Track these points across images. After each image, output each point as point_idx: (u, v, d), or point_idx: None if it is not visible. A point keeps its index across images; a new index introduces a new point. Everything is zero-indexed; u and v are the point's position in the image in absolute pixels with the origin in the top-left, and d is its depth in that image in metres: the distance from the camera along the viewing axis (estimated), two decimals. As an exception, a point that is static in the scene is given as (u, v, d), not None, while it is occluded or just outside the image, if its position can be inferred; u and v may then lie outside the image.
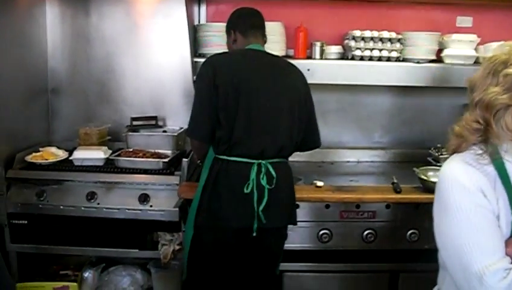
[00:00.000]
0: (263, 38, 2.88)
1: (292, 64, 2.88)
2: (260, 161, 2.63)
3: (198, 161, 3.00)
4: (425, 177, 3.04)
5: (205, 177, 2.71)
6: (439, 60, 3.53)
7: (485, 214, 1.57)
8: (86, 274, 3.31)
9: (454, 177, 1.62)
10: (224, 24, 2.93)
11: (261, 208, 2.60)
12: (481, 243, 1.54)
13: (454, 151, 1.73)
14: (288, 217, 2.78)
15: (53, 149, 3.39)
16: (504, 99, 1.57)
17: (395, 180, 3.12)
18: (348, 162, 3.86)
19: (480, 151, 1.64)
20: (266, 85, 2.69)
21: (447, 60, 3.48)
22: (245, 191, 2.59)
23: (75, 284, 3.20)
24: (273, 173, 2.64)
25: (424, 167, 3.18)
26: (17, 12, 3.37)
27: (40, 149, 3.36)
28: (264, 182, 2.61)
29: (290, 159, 2.86)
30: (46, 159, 3.24)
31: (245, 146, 2.62)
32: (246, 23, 2.86)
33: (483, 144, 1.64)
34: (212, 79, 2.62)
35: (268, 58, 2.81)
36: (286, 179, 2.75)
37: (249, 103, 2.63)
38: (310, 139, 2.91)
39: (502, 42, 1.95)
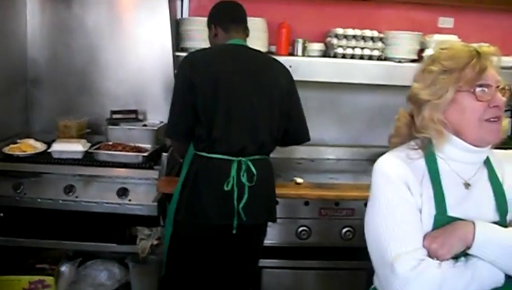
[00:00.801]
0: (245, 32, 2.85)
1: (275, 60, 2.86)
2: (240, 158, 2.62)
3: (181, 160, 2.98)
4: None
5: (185, 174, 2.70)
6: (420, 59, 3.52)
7: (406, 207, 1.62)
8: (63, 268, 3.28)
9: (382, 169, 1.70)
10: (206, 19, 2.91)
11: (241, 205, 2.59)
12: (398, 233, 1.60)
13: (394, 145, 1.80)
14: (268, 214, 2.78)
15: (31, 141, 3.34)
16: (424, 94, 1.65)
17: (375, 179, 3.13)
18: (328, 159, 3.87)
19: (416, 147, 1.71)
20: (246, 81, 2.66)
21: (428, 60, 3.50)
22: (225, 188, 2.57)
23: (51, 278, 3.17)
24: (254, 170, 2.62)
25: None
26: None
27: (18, 141, 3.32)
28: (244, 179, 2.60)
29: (270, 155, 2.86)
30: (24, 151, 3.20)
31: (225, 143, 2.60)
32: (226, 18, 2.83)
33: (420, 139, 1.71)
34: (188, 77, 2.61)
35: (250, 53, 2.78)
36: (267, 176, 2.74)
37: (227, 100, 2.61)
38: (298, 134, 2.88)
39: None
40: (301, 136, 2.92)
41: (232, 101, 2.62)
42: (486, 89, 1.61)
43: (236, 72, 2.67)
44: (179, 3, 3.68)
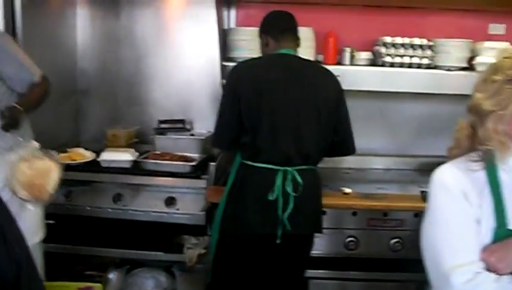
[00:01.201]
0: (296, 42, 2.82)
1: (325, 69, 2.84)
2: (286, 167, 2.60)
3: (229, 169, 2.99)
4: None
5: (231, 183, 2.71)
6: (470, 67, 3.46)
7: (464, 218, 1.59)
8: (111, 275, 3.31)
9: (440, 179, 1.67)
10: (254, 28, 2.94)
11: (286, 215, 2.58)
12: (454, 244, 1.58)
13: (454, 157, 1.74)
14: (314, 225, 2.76)
15: (81, 150, 3.41)
16: (487, 105, 1.58)
17: (424, 189, 3.07)
18: (376, 169, 3.81)
19: (476, 158, 1.66)
20: (293, 91, 2.65)
21: (479, 68, 3.41)
22: (270, 198, 2.57)
23: (99, 285, 3.19)
24: (300, 180, 2.61)
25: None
26: (48, 14, 3.43)
27: (68, 150, 3.39)
28: (289, 189, 2.58)
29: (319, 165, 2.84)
30: (74, 160, 3.26)
31: (269, 152, 2.60)
32: (276, 27, 2.81)
33: (482, 151, 1.65)
34: (234, 87, 2.63)
35: (299, 62, 2.76)
36: (313, 187, 2.72)
37: (272, 109, 2.60)
38: (344, 146, 2.85)
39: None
40: (347, 149, 2.88)
41: (277, 110, 2.61)
42: None
43: (283, 82, 2.66)
44: (226, 13, 3.70)
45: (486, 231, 1.57)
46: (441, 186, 1.65)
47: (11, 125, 2.50)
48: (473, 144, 1.68)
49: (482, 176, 1.63)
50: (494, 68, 1.63)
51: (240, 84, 2.63)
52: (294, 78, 2.69)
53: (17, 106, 2.53)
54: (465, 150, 1.71)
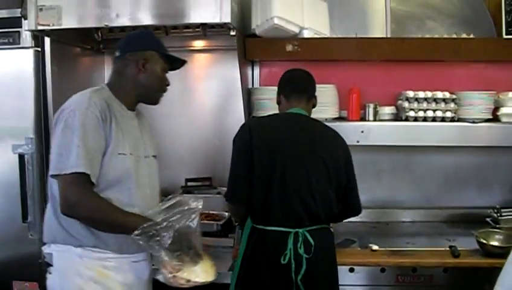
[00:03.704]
0: (309, 102, 2.81)
1: (334, 131, 2.80)
2: (297, 229, 2.56)
3: (237, 223, 3.00)
4: (485, 241, 2.97)
5: (244, 248, 2.67)
6: (495, 118, 3.45)
7: None
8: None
9: None
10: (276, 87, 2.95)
11: (299, 277, 2.52)
12: None
13: None
14: (329, 286, 2.67)
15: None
16: None
17: (453, 243, 3.06)
18: (403, 222, 3.79)
19: None
20: (303, 152, 2.62)
21: (503, 119, 3.40)
22: (282, 261, 2.52)
23: None
24: (311, 241, 2.55)
25: (484, 230, 3.12)
26: (78, 76, 3.56)
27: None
28: (301, 251, 2.53)
29: (345, 220, 2.86)
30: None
31: (281, 215, 2.56)
32: (288, 86, 2.83)
33: None
34: (247, 144, 2.61)
35: (308, 123, 2.75)
36: (326, 246, 2.66)
37: (284, 171, 2.57)
38: (352, 208, 2.81)
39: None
40: (354, 211, 2.83)
41: (288, 172, 2.58)
42: None
43: (293, 143, 2.64)
44: (250, 72, 3.75)
45: None
46: None
47: None
48: None
49: None
50: None
51: (254, 143, 2.60)
52: (304, 139, 2.67)
53: None
54: None
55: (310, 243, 2.55)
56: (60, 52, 3.26)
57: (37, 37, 3.19)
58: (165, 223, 2.13)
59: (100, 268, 2.25)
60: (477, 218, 3.62)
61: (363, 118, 3.50)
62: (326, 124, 2.84)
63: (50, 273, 2.30)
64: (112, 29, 3.45)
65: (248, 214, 2.70)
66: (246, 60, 3.55)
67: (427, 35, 3.65)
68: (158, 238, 2.10)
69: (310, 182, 2.59)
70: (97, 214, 2.16)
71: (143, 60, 2.39)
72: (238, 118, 3.53)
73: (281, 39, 3.40)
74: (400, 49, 3.44)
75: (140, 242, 2.10)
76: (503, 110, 3.42)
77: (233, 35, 3.06)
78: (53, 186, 2.22)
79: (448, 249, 3.03)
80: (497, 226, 3.38)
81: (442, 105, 3.39)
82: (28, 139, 3.24)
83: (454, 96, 3.41)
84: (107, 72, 3.84)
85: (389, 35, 3.70)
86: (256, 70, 3.76)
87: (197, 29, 3.38)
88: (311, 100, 2.84)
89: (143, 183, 2.38)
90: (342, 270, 2.93)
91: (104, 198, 2.19)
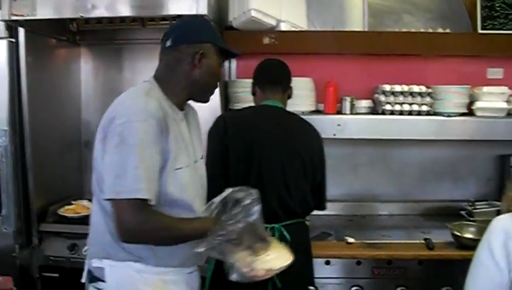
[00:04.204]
0: (283, 93, 2.79)
1: (308, 123, 2.79)
2: (273, 224, 2.55)
3: None
4: (459, 234, 3.00)
5: None
6: (470, 112, 3.49)
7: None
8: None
9: (501, 225, 1.72)
10: (253, 80, 2.93)
11: None
12: None
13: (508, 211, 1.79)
14: (305, 278, 2.69)
15: (85, 202, 3.42)
16: None
17: (428, 236, 3.09)
18: (380, 215, 3.82)
19: None
20: (279, 148, 2.61)
21: (478, 113, 3.44)
22: None
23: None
24: (287, 236, 2.55)
25: (458, 223, 3.16)
26: (53, 68, 3.50)
27: (73, 202, 3.42)
28: None
29: (321, 212, 2.87)
30: (78, 213, 3.27)
31: None
32: (263, 77, 2.80)
33: None
34: (223, 137, 2.58)
35: (284, 116, 2.74)
36: (301, 240, 2.66)
37: (260, 166, 2.57)
38: (321, 202, 2.82)
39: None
40: (322, 205, 2.84)
41: (264, 167, 2.57)
42: None
43: (268, 137, 2.63)
44: (227, 65, 3.73)
45: None
46: (501, 233, 1.71)
47: None
48: None
49: None
50: None
51: (229, 137, 2.58)
52: (279, 132, 2.66)
53: None
54: None
55: (286, 239, 2.53)
56: (35, 43, 3.21)
57: (11, 27, 3.12)
58: (225, 231, 1.93)
59: (160, 283, 2.05)
60: (452, 211, 3.66)
61: (339, 112, 3.50)
62: (303, 117, 2.85)
63: (98, 288, 2.05)
64: (88, 21, 3.43)
65: None
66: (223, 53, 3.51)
67: (404, 30, 3.67)
68: (223, 246, 1.93)
69: (286, 178, 2.59)
70: (160, 235, 1.93)
71: (200, 55, 2.06)
72: (214, 110, 3.52)
73: (258, 32, 3.40)
74: (377, 43, 3.46)
75: (210, 254, 1.97)
76: (477, 104, 3.46)
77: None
78: (106, 205, 1.97)
79: (423, 241, 3.06)
80: (471, 219, 3.42)
81: (418, 99, 3.41)
82: (1, 131, 3.18)
83: (430, 90, 3.44)
84: (84, 64, 3.82)
85: (366, 29, 3.71)
86: (233, 63, 3.75)
87: (174, 21, 3.35)
88: (286, 91, 2.81)
89: (197, 191, 2.16)
90: (318, 263, 2.94)
91: (162, 214, 1.95)
